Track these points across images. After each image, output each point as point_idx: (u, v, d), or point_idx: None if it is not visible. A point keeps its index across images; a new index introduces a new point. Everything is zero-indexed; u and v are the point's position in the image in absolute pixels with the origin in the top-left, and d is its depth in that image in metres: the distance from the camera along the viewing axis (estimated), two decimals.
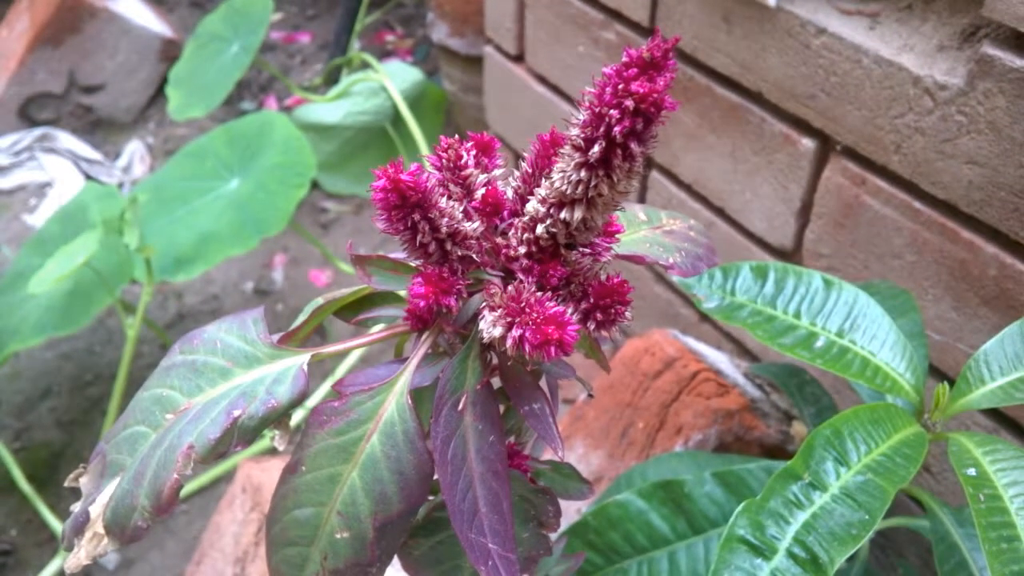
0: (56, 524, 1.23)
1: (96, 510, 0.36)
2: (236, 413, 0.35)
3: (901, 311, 0.75)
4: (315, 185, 1.91)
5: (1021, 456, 0.53)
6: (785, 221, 0.98)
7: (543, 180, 0.35)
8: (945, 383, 0.61)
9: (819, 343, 0.62)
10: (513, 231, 0.37)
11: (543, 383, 0.40)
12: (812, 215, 0.95)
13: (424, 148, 1.72)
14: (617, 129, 0.30)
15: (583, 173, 0.32)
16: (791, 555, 0.48)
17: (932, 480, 0.91)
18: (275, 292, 1.72)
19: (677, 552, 0.67)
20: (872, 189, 0.86)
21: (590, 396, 1.01)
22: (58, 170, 1.98)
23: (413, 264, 0.38)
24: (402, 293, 0.41)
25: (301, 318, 0.41)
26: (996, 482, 0.52)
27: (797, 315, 0.64)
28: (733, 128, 1.00)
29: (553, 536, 0.45)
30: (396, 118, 1.84)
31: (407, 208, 0.34)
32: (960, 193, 0.78)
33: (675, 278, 0.52)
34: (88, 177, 1.97)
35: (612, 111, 0.30)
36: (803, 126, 0.92)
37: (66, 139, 2.03)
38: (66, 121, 2.10)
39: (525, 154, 0.39)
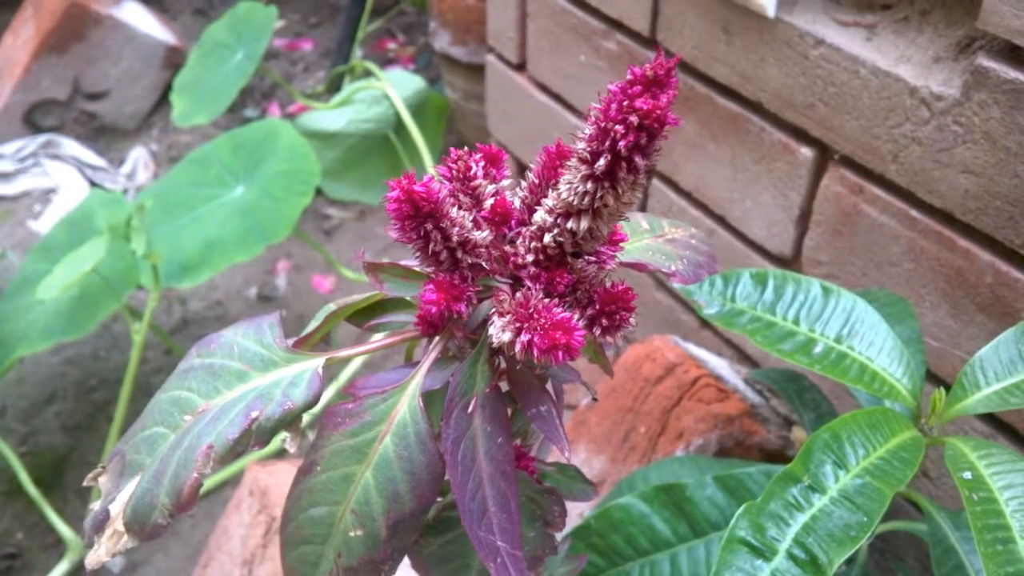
0: (62, 528, 1.24)
1: (116, 508, 0.37)
2: (254, 414, 0.36)
3: (899, 318, 0.76)
4: (318, 192, 1.92)
5: (1016, 460, 0.54)
6: (784, 229, 0.99)
7: (550, 191, 0.37)
8: (942, 388, 0.61)
9: (817, 349, 0.63)
10: (521, 240, 0.38)
11: (549, 387, 0.41)
12: (811, 223, 0.96)
13: (427, 156, 1.73)
14: (622, 143, 0.31)
15: (589, 185, 0.33)
16: (791, 556, 0.49)
17: (930, 485, 0.92)
18: (279, 298, 1.73)
19: (679, 554, 0.68)
20: (870, 197, 0.88)
21: (594, 400, 1.02)
22: (63, 176, 1.99)
23: (424, 271, 0.39)
24: (410, 299, 0.42)
25: (314, 324, 0.43)
26: (991, 485, 0.53)
27: (796, 321, 0.65)
28: (733, 137, 1.02)
29: (558, 536, 0.46)
30: (399, 126, 1.85)
31: (420, 218, 0.35)
32: (956, 202, 0.79)
33: (676, 285, 0.53)
34: (92, 184, 1.98)
35: (617, 126, 0.31)
36: (802, 135, 0.93)
37: (70, 146, 2.05)
38: (70, 128, 2.11)
39: (529, 164, 0.41)
